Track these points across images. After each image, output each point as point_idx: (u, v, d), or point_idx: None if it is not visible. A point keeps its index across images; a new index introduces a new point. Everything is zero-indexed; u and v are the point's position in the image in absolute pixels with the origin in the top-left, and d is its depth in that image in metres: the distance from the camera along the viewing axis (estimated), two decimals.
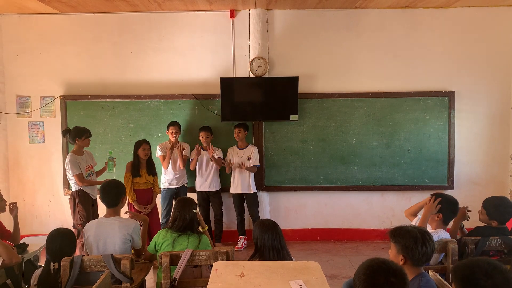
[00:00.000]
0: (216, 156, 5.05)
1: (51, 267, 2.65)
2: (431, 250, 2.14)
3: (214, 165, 5.12)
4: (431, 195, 3.06)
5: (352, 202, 5.52)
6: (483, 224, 3.19)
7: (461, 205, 3.13)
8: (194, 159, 5.08)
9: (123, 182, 4.22)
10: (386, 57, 5.37)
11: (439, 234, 2.87)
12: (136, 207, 4.64)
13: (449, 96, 5.30)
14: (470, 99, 5.36)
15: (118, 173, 5.26)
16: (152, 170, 4.78)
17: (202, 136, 5.09)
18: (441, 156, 5.35)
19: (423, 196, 5.26)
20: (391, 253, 2.24)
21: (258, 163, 5.17)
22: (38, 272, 2.74)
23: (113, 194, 3.11)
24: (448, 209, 2.97)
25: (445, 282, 2.14)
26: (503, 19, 5.31)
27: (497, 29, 5.32)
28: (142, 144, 4.69)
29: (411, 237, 2.13)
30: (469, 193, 5.31)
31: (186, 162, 5.13)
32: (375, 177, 5.40)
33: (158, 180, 4.92)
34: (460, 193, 5.34)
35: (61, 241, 2.75)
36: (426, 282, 2.08)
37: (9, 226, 3.52)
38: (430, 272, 2.26)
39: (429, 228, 2.94)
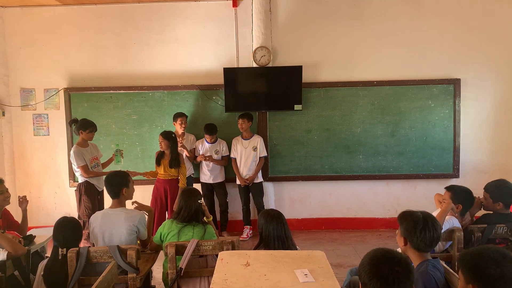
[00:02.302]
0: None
1: (60, 252, 2.68)
2: (432, 237, 2.10)
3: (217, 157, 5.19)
4: (445, 188, 3.10)
5: (357, 191, 5.51)
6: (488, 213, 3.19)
7: None
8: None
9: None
10: (390, 45, 5.31)
11: (453, 222, 2.87)
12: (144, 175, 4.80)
13: (454, 84, 5.25)
14: (475, 86, 5.30)
15: (126, 165, 5.28)
16: (172, 163, 4.66)
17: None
18: (446, 144, 5.32)
19: (428, 185, 5.34)
20: (397, 234, 2.27)
21: (265, 154, 5.17)
22: (44, 262, 2.77)
23: (114, 184, 3.12)
24: (467, 200, 3.03)
25: (451, 270, 2.13)
26: (509, 6, 5.22)
27: (503, 15, 5.24)
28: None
29: (412, 221, 2.15)
30: (474, 181, 5.24)
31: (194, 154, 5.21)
32: (380, 166, 5.38)
33: (184, 173, 4.75)
34: (466, 182, 5.30)
35: (68, 230, 2.79)
36: (432, 267, 2.08)
37: (17, 217, 3.56)
38: None
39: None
